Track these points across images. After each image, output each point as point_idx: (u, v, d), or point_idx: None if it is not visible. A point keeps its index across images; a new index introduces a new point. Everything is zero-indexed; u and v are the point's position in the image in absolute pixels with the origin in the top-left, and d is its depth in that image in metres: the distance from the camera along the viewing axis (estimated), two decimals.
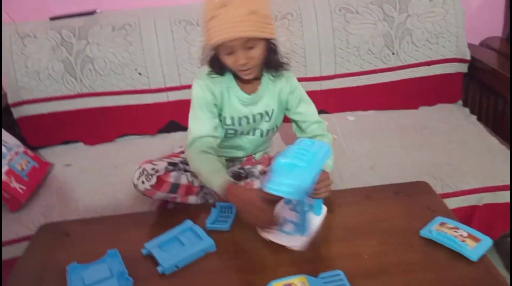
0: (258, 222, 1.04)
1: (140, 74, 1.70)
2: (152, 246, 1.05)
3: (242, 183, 1.30)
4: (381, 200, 1.20)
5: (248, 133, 1.28)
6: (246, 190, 1.12)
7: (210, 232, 1.09)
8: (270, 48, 1.13)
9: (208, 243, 1.05)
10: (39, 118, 1.73)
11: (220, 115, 1.22)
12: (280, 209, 1.09)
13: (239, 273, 1.00)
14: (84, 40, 1.67)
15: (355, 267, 0.96)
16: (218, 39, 1.00)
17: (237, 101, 1.21)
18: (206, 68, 1.18)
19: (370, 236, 1.06)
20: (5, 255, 1.30)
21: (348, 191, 1.27)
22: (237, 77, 1.18)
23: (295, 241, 1.02)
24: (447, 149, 1.49)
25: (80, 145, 1.78)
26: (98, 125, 1.76)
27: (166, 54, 1.68)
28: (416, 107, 1.81)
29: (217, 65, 1.14)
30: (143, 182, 1.14)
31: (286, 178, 0.89)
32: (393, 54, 1.74)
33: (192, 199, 1.26)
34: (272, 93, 1.23)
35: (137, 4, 1.74)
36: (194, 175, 1.23)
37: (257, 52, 1.07)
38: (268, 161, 1.33)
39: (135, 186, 1.16)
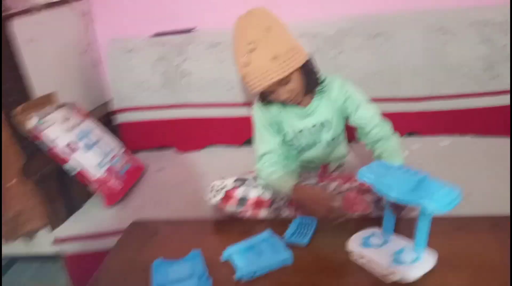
0: (324, 213, 1.12)
1: (232, 88, 1.77)
2: (232, 251, 1.08)
3: None
4: (476, 232, 1.11)
5: (312, 146, 1.31)
6: (311, 188, 1.19)
7: (288, 245, 1.09)
8: (307, 69, 1.18)
9: (285, 255, 1.05)
10: (139, 125, 1.87)
11: (281, 131, 1.29)
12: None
13: None
14: (183, 55, 1.79)
15: None
16: (255, 90, 1.13)
17: (293, 116, 1.27)
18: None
19: (461, 269, 0.98)
20: (98, 246, 1.41)
21: (439, 220, 1.19)
22: None
23: (405, 270, 0.94)
24: None
25: (172, 151, 1.89)
26: (190, 134, 1.86)
27: None
28: None
29: (265, 98, 1.24)
30: (212, 197, 1.25)
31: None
32: (493, 78, 1.62)
33: (263, 213, 1.27)
34: (327, 103, 1.26)
35: (231, 23, 1.82)
36: (265, 188, 1.27)
37: (295, 83, 1.16)
38: (346, 179, 1.30)
39: (207, 201, 1.26)
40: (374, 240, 1.04)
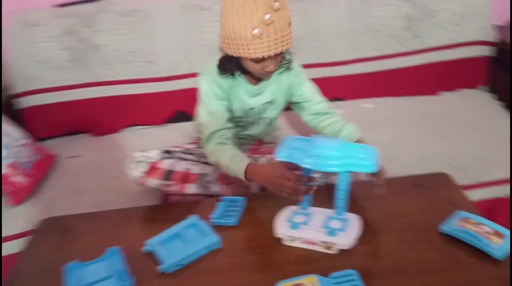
0: (287, 191, 1.00)
1: (149, 62, 1.63)
2: (153, 243, 1.00)
3: None
4: (400, 193, 1.13)
5: (255, 123, 1.27)
6: (264, 165, 1.11)
7: (216, 228, 1.04)
8: None
9: (213, 239, 1.00)
10: (45, 108, 1.68)
11: (229, 108, 1.21)
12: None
13: (245, 272, 0.94)
14: (92, 27, 1.62)
15: (370, 266, 0.91)
16: (265, 54, 1.01)
17: (244, 94, 1.20)
18: (210, 62, 1.17)
19: (388, 233, 1.00)
20: (6, 251, 1.27)
21: (365, 183, 1.19)
22: (243, 72, 1.16)
23: (341, 239, 0.95)
24: (471, 138, 1.39)
25: (87, 136, 1.73)
26: (105, 115, 1.71)
27: (176, 41, 1.62)
28: (436, 93, 1.70)
29: (230, 67, 1.13)
30: (133, 170, 1.14)
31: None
32: (414, 37, 1.63)
33: (191, 188, 1.20)
34: (280, 83, 1.22)
35: None
36: (193, 163, 1.21)
37: (281, 58, 1.11)
38: None
39: (127, 174, 1.15)
40: (298, 219, 1.01)
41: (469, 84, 1.71)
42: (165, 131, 1.69)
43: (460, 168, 1.27)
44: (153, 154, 1.16)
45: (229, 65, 1.12)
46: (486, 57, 1.68)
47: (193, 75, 1.62)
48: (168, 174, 1.16)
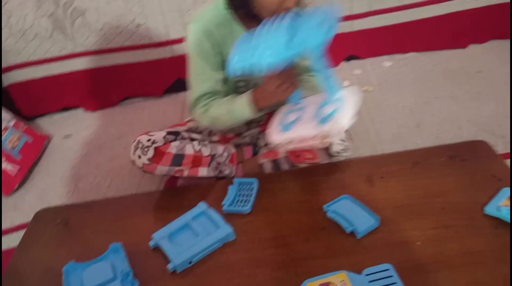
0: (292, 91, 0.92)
1: (138, 25, 1.47)
2: (160, 237, 0.90)
3: (264, 150, 1.14)
4: (433, 167, 1.00)
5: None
6: (261, 87, 0.96)
7: (228, 216, 0.94)
8: None
9: (226, 231, 0.89)
10: (31, 84, 1.56)
11: (225, 64, 1.02)
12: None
13: (264, 269, 0.83)
14: None
15: (407, 259, 0.80)
16: None
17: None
18: (202, 10, 1.01)
19: (423, 216, 0.88)
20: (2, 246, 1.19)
21: (391, 157, 1.07)
22: (239, 18, 1.00)
23: (335, 124, 0.84)
24: (508, 97, 1.24)
25: (80, 111, 1.61)
26: (98, 88, 1.58)
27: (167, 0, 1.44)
28: (464, 46, 1.53)
29: (244, 7, 0.95)
30: (139, 157, 1.00)
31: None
32: None
33: (203, 171, 1.08)
34: None
35: None
36: (202, 143, 1.08)
37: None
38: None
39: (133, 162, 1.02)
40: (290, 118, 0.92)
41: (500, 34, 1.54)
42: (164, 103, 1.57)
43: (497, 133, 1.13)
44: (158, 137, 1.02)
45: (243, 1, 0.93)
46: None
47: None
48: (178, 159, 1.03)
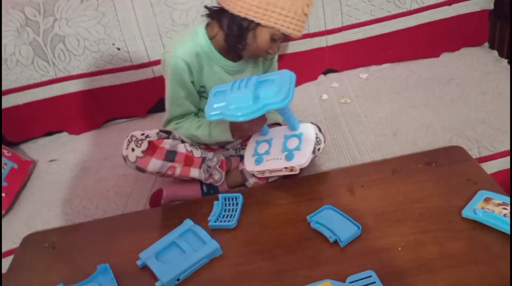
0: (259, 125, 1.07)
1: (118, 49, 1.49)
2: (148, 256, 0.91)
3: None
4: (411, 174, 1.03)
5: None
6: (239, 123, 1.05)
7: (214, 232, 0.96)
8: None
9: (212, 247, 0.91)
10: (14, 111, 1.54)
11: (203, 89, 1.10)
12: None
13: (251, 282, 0.85)
14: (51, 16, 1.45)
15: (388, 265, 0.82)
16: (300, 34, 1.01)
17: (221, 71, 1.09)
18: (181, 37, 1.09)
19: (403, 223, 0.91)
20: None
21: (370, 166, 1.10)
22: (218, 46, 1.07)
23: (298, 160, 1.00)
24: (480, 103, 1.28)
25: (64, 135, 1.60)
26: (81, 112, 1.57)
27: (146, 23, 1.46)
28: (437, 55, 1.58)
29: (235, 41, 1.02)
30: (133, 150, 0.98)
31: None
32: None
33: (195, 172, 1.06)
34: (255, 66, 1.16)
35: None
36: (193, 144, 1.09)
37: None
38: None
39: (125, 158, 1.00)
40: (261, 149, 1.07)
41: (472, 42, 1.59)
42: (148, 122, 1.57)
43: (471, 138, 1.17)
44: (152, 133, 1.02)
45: (240, 32, 0.99)
46: (486, 10, 1.55)
47: None
48: (171, 155, 1.01)
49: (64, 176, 1.37)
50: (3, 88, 1.51)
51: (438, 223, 0.88)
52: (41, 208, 1.25)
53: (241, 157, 1.21)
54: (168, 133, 1.06)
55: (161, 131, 1.05)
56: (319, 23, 1.50)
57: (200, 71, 1.06)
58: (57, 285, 0.89)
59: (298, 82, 1.50)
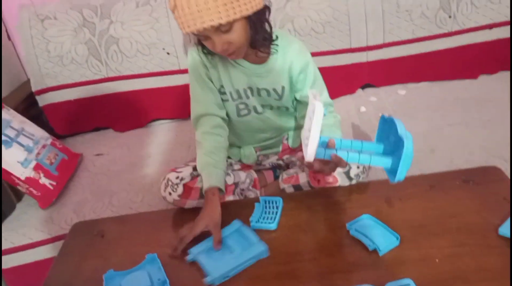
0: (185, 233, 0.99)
1: (168, 53, 1.57)
2: (198, 252, 0.96)
3: (284, 176, 1.20)
4: (448, 190, 1.06)
5: (262, 112, 1.12)
6: (212, 208, 0.99)
7: (256, 232, 0.99)
8: (257, 20, 0.94)
9: (260, 248, 0.94)
10: (66, 105, 1.64)
11: (223, 89, 1.08)
12: None
13: (293, 281, 0.89)
14: (107, 19, 1.55)
15: (426, 274, 0.85)
16: (184, 31, 0.87)
17: (239, 70, 1.04)
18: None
19: (440, 236, 0.93)
20: (38, 257, 1.26)
21: (408, 180, 1.10)
22: None
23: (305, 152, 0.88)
24: None
25: (110, 132, 1.69)
26: (127, 110, 1.66)
27: None
28: (475, 77, 1.61)
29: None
30: (170, 194, 1.07)
31: None
32: (449, 17, 1.53)
33: (229, 199, 1.15)
34: (282, 68, 1.05)
35: None
36: (227, 173, 1.13)
37: (237, 35, 0.90)
38: None
39: (164, 198, 1.09)
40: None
41: (509, 66, 1.61)
42: (190, 124, 1.59)
43: (507, 158, 1.19)
44: (185, 174, 1.08)
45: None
46: None
47: None
48: None
49: (110, 169, 1.44)
50: (58, 83, 1.61)
51: (474, 238, 0.91)
52: (89, 198, 1.32)
53: (274, 171, 1.26)
54: None
55: (194, 169, 1.09)
56: (360, 39, 1.55)
57: (217, 67, 1.05)
58: (109, 268, 0.94)
59: (336, 95, 1.56)
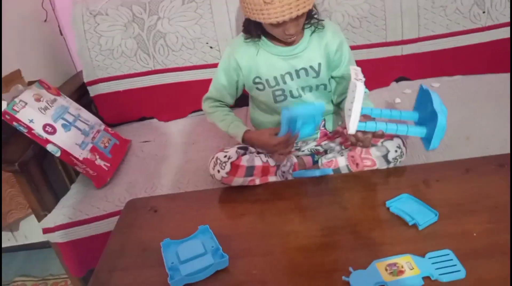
0: (274, 152, 1.18)
1: (211, 47, 1.66)
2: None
3: (324, 160, 1.25)
4: (484, 173, 1.10)
5: (299, 95, 1.22)
6: (258, 134, 1.20)
7: (296, 207, 1.08)
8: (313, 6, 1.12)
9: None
10: (115, 96, 1.74)
11: (259, 79, 1.20)
12: None
13: (337, 250, 0.95)
14: (155, 15, 1.65)
15: (464, 246, 0.89)
16: (279, 19, 1.01)
17: (275, 58, 1.18)
18: (239, 37, 1.22)
19: (477, 213, 0.98)
20: (94, 231, 1.34)
21: (445, 164, 1.18)
22: (271, 36, 1.16)
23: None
24: None
25: (154, 121, 1.78)
26: (171, 101, 1.75)
27: (238, 26, 1.63)
28: (507, 71, 1.64)
29: (256, 31, 1.16)
30: (218, 171, 1.15)
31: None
32: (483, 12, 1.57)
33: (272, 179, 1.22)
34: (318, 46, 1.18)
35: None
36: (268, 155, 1.21)
37: (302, 20, 1.08)
38: (344, 137, 1.26)
39: (212, 176, 1.17)
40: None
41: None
42: None
43: None
44: (232, 152, 1.17)
45: (252, 27, 1.14)
46: None
47: None
48: (250, 170, 1.17)
49: (157, 155, 1.53)
50: (108, 75, 1.71)
51: (510, 217, 0.95)
52: (139, 179, 1.41)
53: (313, 156, 1.33)
54: (245, 149, 1.20)
55: (238, 148, 1.19)
56: (396, 33, 1.60)
57: (251, 62, 1.19)
58: (161, 236, 1.01)
59: (371, 87, 1.62)
